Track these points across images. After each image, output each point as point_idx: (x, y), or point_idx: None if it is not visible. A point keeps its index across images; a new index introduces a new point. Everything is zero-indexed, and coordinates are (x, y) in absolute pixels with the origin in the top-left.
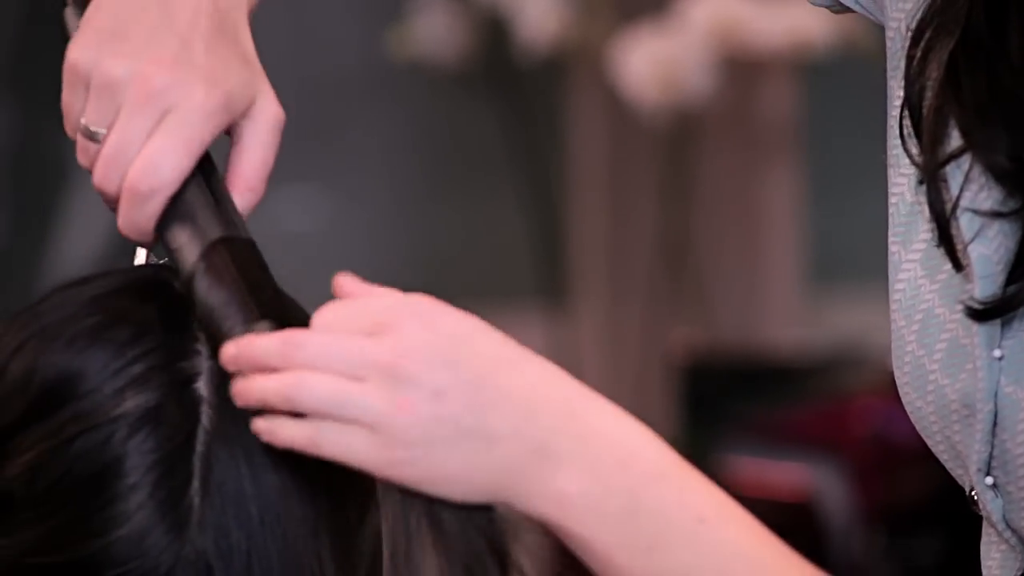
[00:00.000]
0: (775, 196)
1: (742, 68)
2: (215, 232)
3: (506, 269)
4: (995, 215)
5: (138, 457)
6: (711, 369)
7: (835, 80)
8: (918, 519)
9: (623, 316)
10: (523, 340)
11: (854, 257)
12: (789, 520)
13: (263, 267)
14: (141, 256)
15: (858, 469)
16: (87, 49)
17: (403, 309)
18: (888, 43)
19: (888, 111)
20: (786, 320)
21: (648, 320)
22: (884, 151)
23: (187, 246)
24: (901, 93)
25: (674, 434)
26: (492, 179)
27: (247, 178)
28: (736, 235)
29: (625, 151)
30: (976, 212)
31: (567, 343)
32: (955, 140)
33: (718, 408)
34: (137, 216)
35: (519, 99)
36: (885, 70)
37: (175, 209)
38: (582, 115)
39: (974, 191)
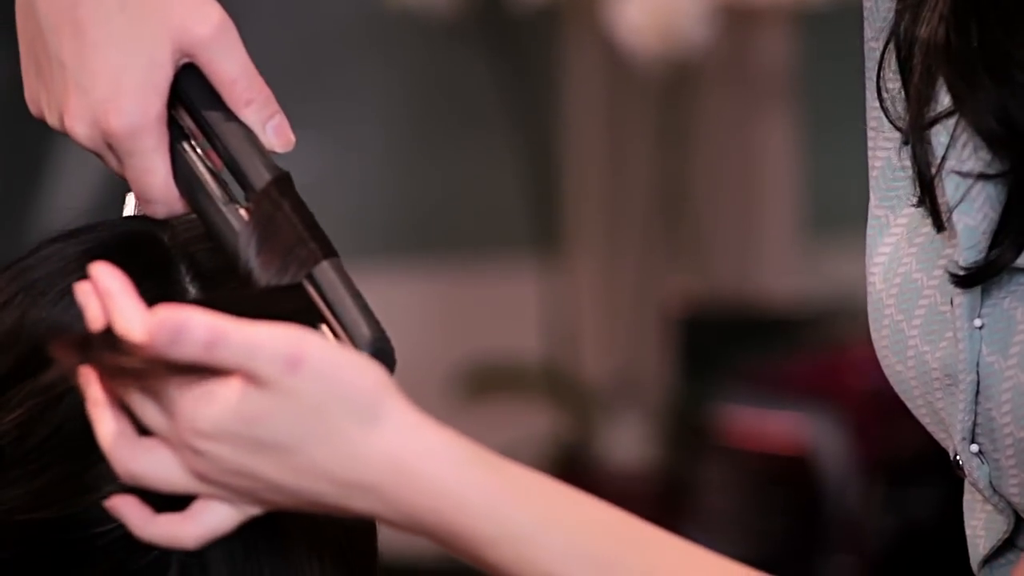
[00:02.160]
0: (772, 145)
1: (739, 16)
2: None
3: (501, 220)
4: (981, 177)
5: None
6: (708, 319)
7: (832, 28)
8: (916, 469)
9: (619, 266)
10: (518, 291)
11: (851, 206)
12: (786, 471)
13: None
14: (130, 207)
15: (855, 419)
16: (30, 103)
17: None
18: (868, 3)
19: (866, 69)
20: (783, 270)
21: (644, 270)
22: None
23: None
24: (880, 50)
25: (671, 384)
26: (487, 129)
27: (237, 94)
28: (732, 185)
29: (621, 100)
30: (961, 174)
31: (562, 294)
32: (943, 100)
33: (715, 358)
34: (166, 213)
35: (514, 49)
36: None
37: (192, 187)
38: (578, 65)
39: (959, 152)
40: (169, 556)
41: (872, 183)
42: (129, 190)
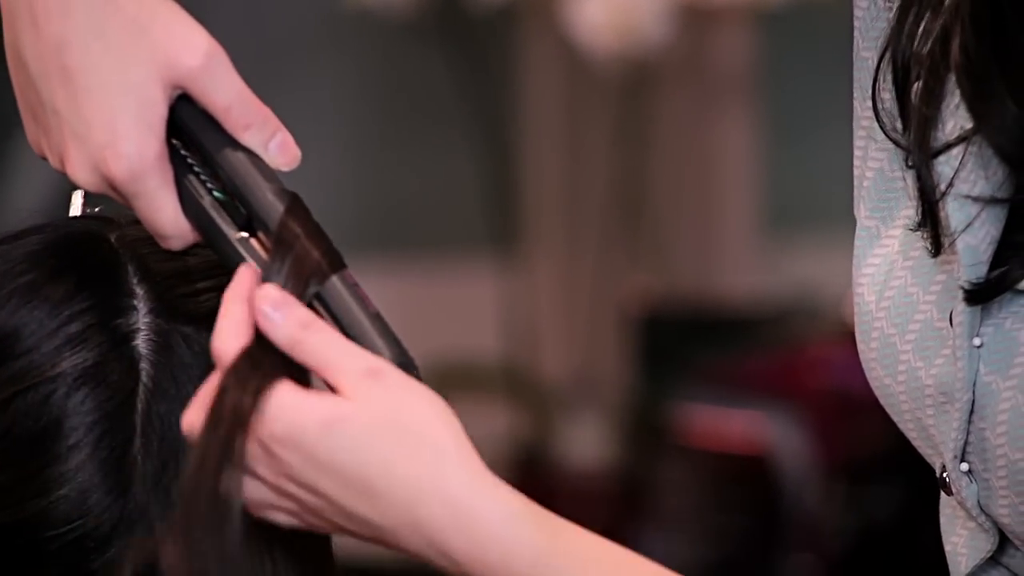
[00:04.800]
0: (730, 144)
1: (697, 15)
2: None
3: (459, 219)
4: (992, 201)
5: (78, 417)
6: (667, 318)
7: (791, 27)
8: (874, 469)
9: (577, 265)
10: (476, 290)
11: (809, 205)
12: (744, 470)
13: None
14: (77, 206)
15: (814, 418)
16: (33, 145)
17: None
18: (860, 11)
19: (855, 79)
20: (742, 268)
21: (603, 269)
22: (839, 107)
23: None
24: (873, 61)
25: (630, 383)
26: (445, 128)
27: (234, 120)
28: (691, 183)
29: (580, 99)
30: (972, 198)
31: (521, 293)
32: (947, 124)
33: (674, 357)
34: (182, 245)
35: (473, 47)
36: (841, 19)
37: (202, 219)
38: (536, 63)
39: (963, 176)
40: (122, 558)
41: (862, 192)
42: (76, 188)
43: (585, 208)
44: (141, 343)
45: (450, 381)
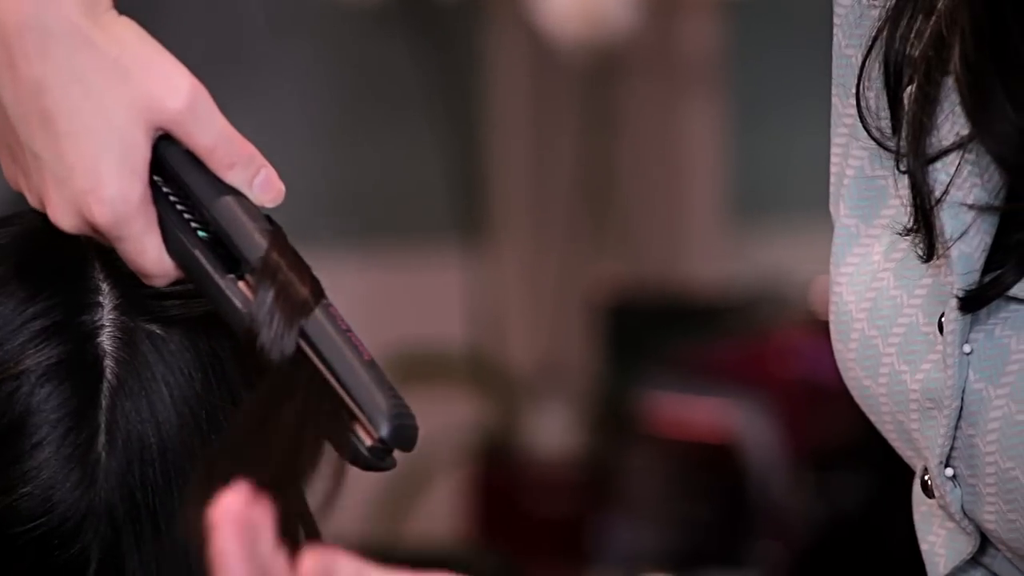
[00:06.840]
0: (697, 132)
1: (664, 2)
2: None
3: (425, 206)
4: (987, 209)
5: (42, 414)
6: (633, 306)
7: (757, 15)
8: (841, 457)
9: (544, 253)
10: (442, 278)
11: (776, 193)
12: (711, 458)
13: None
14: None
15: (782, 406)
16: (10, 182)
17: None
18: (842, 9)
19: (835, 76)
20: (709, 256)
21: (569, 257)
22: (806, 94)
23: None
24: (857, 60)
25: (596, 372)
26: (411, 115)
27: (218, 160)
28: (658, 172)
29: (546, 87)
30: (968, 206)
31: (487, 281)
32: (943, 130)
33: (641, 345)
34: (167, 283)
35: (438, 35)
36: (808, 7)
37: (186, 260)
38: (502, 50)
39: (959, 183)
40: (88, 552)
41: (842, 190)
42: None
43: (551, 196)
44: (106, 340)
45: (416, 370)
